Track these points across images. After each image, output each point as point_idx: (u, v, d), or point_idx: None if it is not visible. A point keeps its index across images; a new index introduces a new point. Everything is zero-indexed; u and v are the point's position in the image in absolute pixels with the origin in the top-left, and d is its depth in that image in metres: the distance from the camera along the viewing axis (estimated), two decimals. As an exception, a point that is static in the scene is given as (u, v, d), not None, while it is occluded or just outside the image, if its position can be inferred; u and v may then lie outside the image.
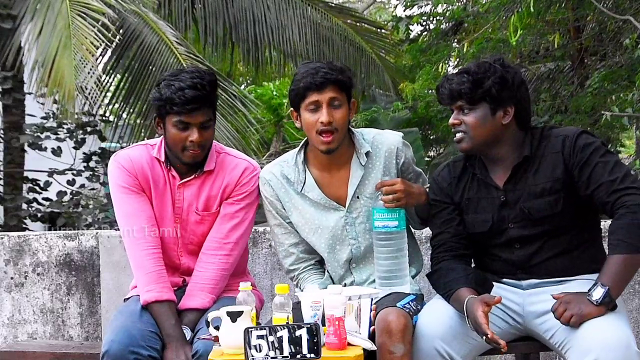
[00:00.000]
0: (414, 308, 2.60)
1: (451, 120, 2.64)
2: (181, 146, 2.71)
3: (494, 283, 2.66)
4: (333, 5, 9.01)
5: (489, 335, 2.37)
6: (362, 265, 2.83)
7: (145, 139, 6.85)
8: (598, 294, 2.37)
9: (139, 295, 2.77)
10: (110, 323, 2.70)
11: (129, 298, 2.87)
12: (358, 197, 2.78)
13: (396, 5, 12.59)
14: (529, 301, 2.61)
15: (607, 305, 2.37)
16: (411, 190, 2.71)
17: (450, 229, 2.69)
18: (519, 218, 2.58)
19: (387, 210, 2.67)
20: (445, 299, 2.60)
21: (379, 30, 9.49)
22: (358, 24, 9.04)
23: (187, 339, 2.65)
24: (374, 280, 2.78)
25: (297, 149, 2.85)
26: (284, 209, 2.85)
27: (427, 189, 2.82)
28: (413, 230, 2.98)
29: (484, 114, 2.58)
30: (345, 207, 2.79)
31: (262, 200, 2.89)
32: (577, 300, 2.39)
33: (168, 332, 2.63)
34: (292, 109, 2.77)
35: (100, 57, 6.95)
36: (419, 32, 9.39)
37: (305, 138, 2.84)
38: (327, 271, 2.89)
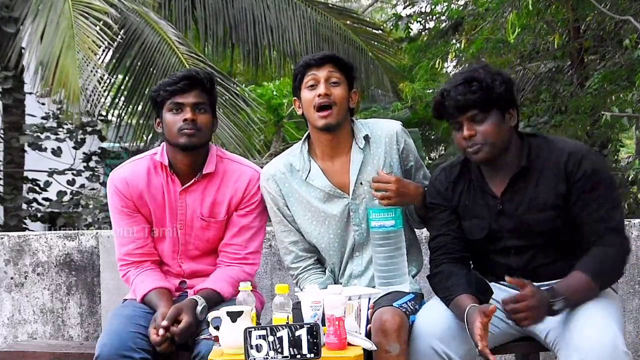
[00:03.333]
0: (411, 307, 2.60)
1: (466, 133, 2.50)
2: (177, 129, 2.72)
3: (493, 283, 2.66)
4: (332, 6, 9.01)
5: (479, 348, 2.34)
6: (363, 252, 2.83)
7: (145, 138, 6.91)
8: (559, 306, 2.36)
9: (134, 299, 2.78)
10: (105, 326, 2.72)
11: (127, 299, 2.88)
12: (361, 183, 2.80)
13: (396, 4, 12.58)
14: None
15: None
16: (406, 191, 2.70)
17: (450, 232, 2.66)
18: (516, 229, 2.55)
19: (383, 210, 2.66)
20: (444, 303, 2.58)
21: (378, 31, 9.50)
22: (357, 25, 9.05)
23: (200, 308, 2.63)
24: (372, 275, 2.79)
25: (302, 140, 2.89)
26: (287, 205, 2.86)
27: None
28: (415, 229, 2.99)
29: (497, 120, 2.50)
30: (349, 194, 2.81)
31: (264, 197, 2.89)
32: (539, 307, 2.34)
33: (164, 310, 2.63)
34: (294, 98, 2.83)
35: (103, 57, 6.94)
36: (419, 31, 9.41)
37: (307, 133, 2.88)
38: (328, 266, 2.88)
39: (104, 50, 6.76)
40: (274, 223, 2.91)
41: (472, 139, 2.51)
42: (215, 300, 2.70)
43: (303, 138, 2.89)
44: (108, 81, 7.05)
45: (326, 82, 2.73)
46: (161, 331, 2.53)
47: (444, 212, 2.67)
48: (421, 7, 8.68)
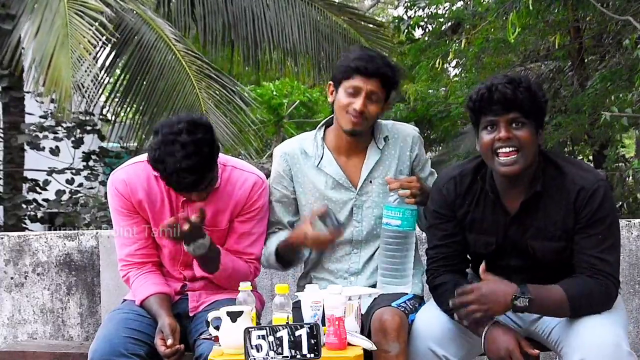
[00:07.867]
0: (410, 306, 2.60)
1: (504, 134, 2.36)
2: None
3: None
4: (332, 3, 8.97)
5: None
6: (361, 250, 2.83)
7: (144, 136, 6.90)
8: (523, 303, 2.34)
9: (133, 301, 2.78)
10: (98, 330, 2.71)
11: (126, 299, 2.87)
12: (370, 182, 2.81)
13: (396, 6, 12.58)
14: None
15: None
16: (425, 188, 2.70)
17: (452, 244, 2.57)
18: (521, 252, 2.50)
19: (397, 209, 2.65)
20: (451, 316, 2.51)
21: (378, 27, 9.46)
22: (358, 21, 9.01)
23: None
24: (369, 274, 2.80)
25: (317, 127, 2.90)
26: (293, 187, 2.85)
27: None
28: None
29: (532, 131, 2.38)
30: (356, 189, 2.81)
31: (272, 174, 2.89)
32: (493, 298, 2.33)
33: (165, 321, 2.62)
34: (331, 82, 2.81)
35: (98, 55, 6.92)
36: (420, 35, 9.41)
37: (325, 119, 2.90)
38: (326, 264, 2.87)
39: (100, 49, 6.73)
40: (274, 202, 2.87)
41: (508, 141, 2.37)
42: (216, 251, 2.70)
43: (319, 126, 2.90)
44: (105, 79, 7.05)
45: (366, 97, 2.70)
46: (169, 341, 2.53)
47: (449, 222, 2.56)
48: (423, 10, 8.65)
